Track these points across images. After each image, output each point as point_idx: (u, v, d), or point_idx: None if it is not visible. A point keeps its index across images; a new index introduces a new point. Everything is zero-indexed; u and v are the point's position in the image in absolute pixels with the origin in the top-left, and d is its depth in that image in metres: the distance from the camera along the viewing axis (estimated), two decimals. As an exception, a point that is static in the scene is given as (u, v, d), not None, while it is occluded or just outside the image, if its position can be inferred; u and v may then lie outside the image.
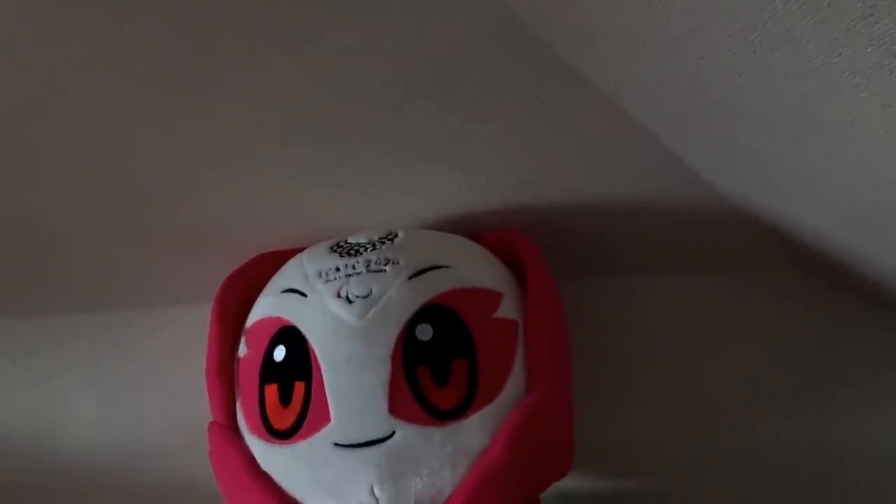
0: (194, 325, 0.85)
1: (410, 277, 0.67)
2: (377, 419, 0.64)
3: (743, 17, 0.44)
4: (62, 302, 0.91)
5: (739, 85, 0.54)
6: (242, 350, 0.74)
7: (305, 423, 0.66)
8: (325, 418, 0.65)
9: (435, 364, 0.65)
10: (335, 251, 0.72)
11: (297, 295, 0.69)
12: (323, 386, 0.65)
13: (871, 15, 0.37)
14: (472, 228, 0.78)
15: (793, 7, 0.40)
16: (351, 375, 0.65)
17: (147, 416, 0.91)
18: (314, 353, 0.66)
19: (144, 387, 0.91)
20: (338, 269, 0.69)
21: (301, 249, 0.77)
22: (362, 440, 0.64)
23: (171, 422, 0.90)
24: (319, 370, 0.66)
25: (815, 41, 0.42)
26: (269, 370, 0.69)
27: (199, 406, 0.79)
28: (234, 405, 0.73)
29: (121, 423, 0.91)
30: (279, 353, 0.68)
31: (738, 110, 0.58)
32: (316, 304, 0.68)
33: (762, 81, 0.51)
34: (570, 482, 0.72)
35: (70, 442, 0.92)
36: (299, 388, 0.67)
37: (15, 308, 0.92)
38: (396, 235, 0.72)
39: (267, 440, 0.69)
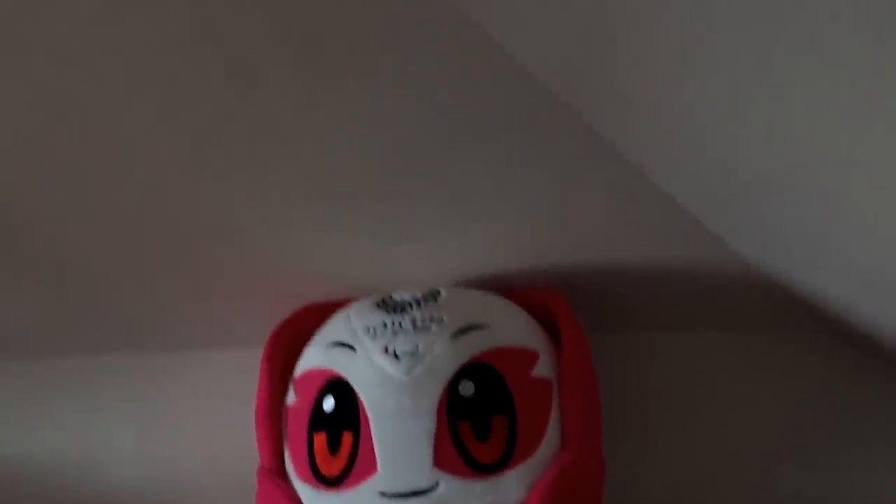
0: (234, 369, 0.87)
1: (453, 336, 0.70)
2: (422, 470, 0.67)
3: (783, 105, 0.47)
4: (106, 342, 0.93)
5: (774, 168, 0.57)
6: (291, 398, 0.76)
7: (353, 471, 0.69)
8: (372, 468, 0.68)
9: (476, 419, 0.68)
10: (380, 307, 0.74)
11: (346, 349, 0.72)
12: (370, 437, 0.68)
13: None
14: (505, 285, 0.81)
15: (835, 100, 0.43)
16: (398, 428, 0.68)
17: (186, 454, 0.92)
18: (362, 405, 0.69)
19: (184, 426, 0.92)
20: (385, 326, 0.71)
21: (343, 302, 0.80)
22: (408, 490, 0.67)
23: (208, 461, 0.91)
24: (367, 421, 0.68)
25: (850, 133, 0.45)
26: (319, 419, 0.72)
27: (237, 447, 0.81)
28: (282, 451, 0.75)
29: (160, 460, 0.93)
30: (328, 404, 0.71)
31: (770, 189, 0.60)
32: (364, 358, 0.70)
33: (797, 165, 0.54)
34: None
35: (111, 477, 0.93)
36: (347, 437, 0.69)
37: (61, 347, 0.95)
38: (439, 293, 0.75)
39: (315, 487, 0.71)
